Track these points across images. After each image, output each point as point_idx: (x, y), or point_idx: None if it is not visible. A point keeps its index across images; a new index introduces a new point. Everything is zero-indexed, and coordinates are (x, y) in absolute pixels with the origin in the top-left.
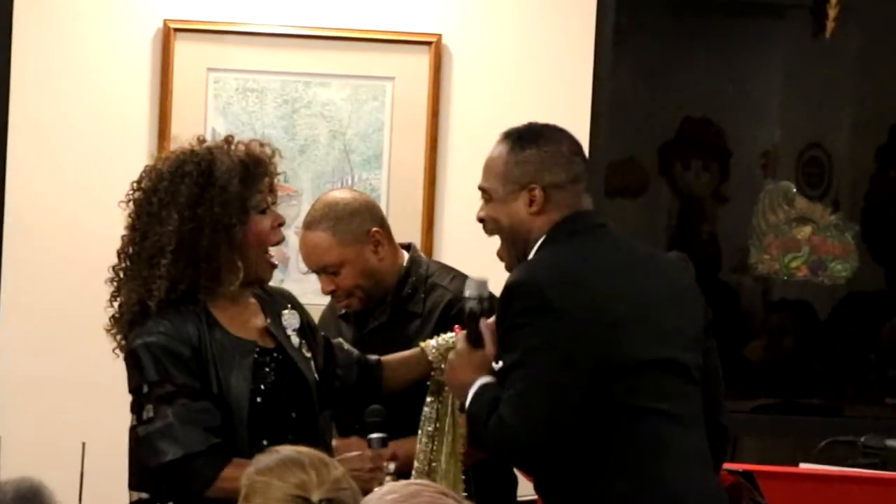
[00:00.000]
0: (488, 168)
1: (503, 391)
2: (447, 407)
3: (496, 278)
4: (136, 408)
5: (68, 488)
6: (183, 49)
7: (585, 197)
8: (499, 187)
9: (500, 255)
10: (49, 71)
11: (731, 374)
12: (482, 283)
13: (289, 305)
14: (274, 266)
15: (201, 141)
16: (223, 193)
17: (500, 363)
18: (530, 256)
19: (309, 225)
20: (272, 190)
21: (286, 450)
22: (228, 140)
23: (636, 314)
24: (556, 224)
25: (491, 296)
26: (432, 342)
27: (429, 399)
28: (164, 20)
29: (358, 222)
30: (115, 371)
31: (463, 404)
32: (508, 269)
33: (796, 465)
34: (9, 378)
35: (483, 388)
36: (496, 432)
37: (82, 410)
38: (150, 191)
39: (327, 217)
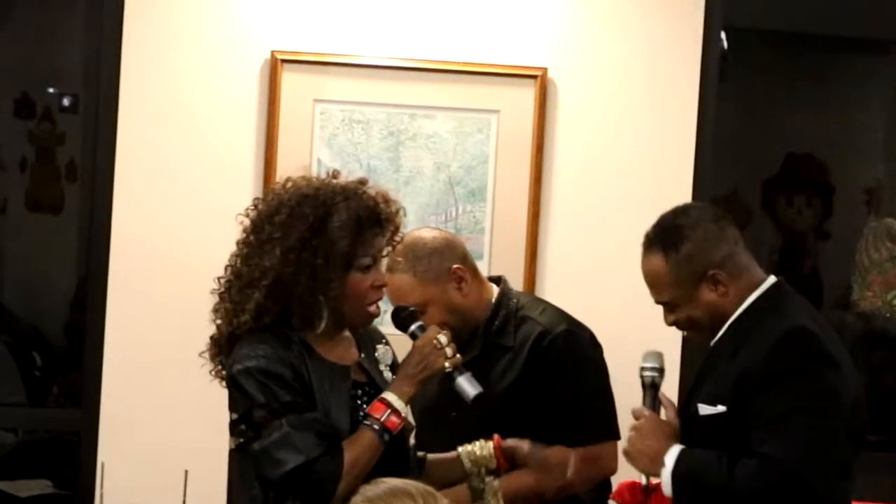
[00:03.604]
0: (656, 282)
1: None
2: None
3: (600, 318)
4: (247, 430)
5: None
6: (290, 80)
7: (746, 252)
8: (679, 294)
9: (690, 336)
10: (158, 101)
11: None
12: (660, 355)
13: (383, 341)
14: (374, 316)
15: (334, 176)
16: (331, 247)
17: (720, 406)
18: (740, 310)
19: (391, 267)
20: (392, 244)
21: (393, 480)
22: (361, 182)
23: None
24: (772, 287)
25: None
26: (469, 448)
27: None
28: (272, 51)
29: (437, 261)
30: (218, 399)
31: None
32: (700, 343)
33: None
34: (112, 405)
35: (687, 451)
36: (767, 476)
37: (185, 438)
38: (266, 217)
39: (407, 258)
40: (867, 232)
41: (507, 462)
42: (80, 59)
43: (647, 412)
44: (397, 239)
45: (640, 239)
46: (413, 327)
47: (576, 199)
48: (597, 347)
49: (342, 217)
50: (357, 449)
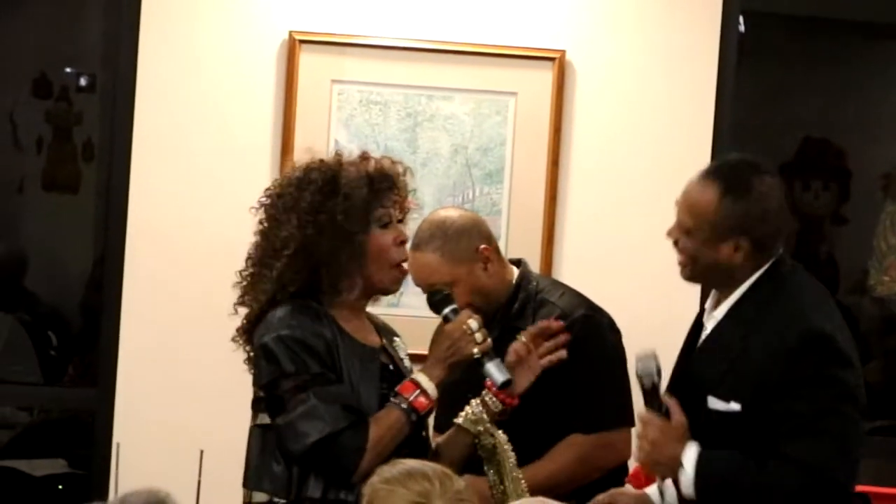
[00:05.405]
0: (694, 208)
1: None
2: (506, 468)
3: (617, 302)
4: (270, 401)
5: (185, 496)
6: (308, 61)
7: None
8: (705, 229)
9: (682, 267)
10: (175, 81)
11: None
12: (654, 356)
13: (396, 337)
14: (401, 277)
15: (337, 154)
16: (346, 201)
17: (734, 405)
18: (740, 292)
19: (418, 246)
20: (401, 207)
21: (411, 462)
22: (363, 156)
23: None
24: (771, 267)
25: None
26: (463, 414)
27: (486, 467)
28: (290, 32)
29: (466, 241)
30: (234, 379)
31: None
32: (683, 276)
33: None
34: (128, 385)
35: (706, 454)
36: (800, 478)
37: (200, 418)
38: (277, 196)
39: (435, 237)
40: (884, 217)
41: (513, 398)
42: (97, 40)
43: (656, 420)
44: (409, 204)
45: (657, 222)
46: (447, 310)
47: (593, 182)
48: (615, 333)
49: (352, 173)
50: (383, 426)
